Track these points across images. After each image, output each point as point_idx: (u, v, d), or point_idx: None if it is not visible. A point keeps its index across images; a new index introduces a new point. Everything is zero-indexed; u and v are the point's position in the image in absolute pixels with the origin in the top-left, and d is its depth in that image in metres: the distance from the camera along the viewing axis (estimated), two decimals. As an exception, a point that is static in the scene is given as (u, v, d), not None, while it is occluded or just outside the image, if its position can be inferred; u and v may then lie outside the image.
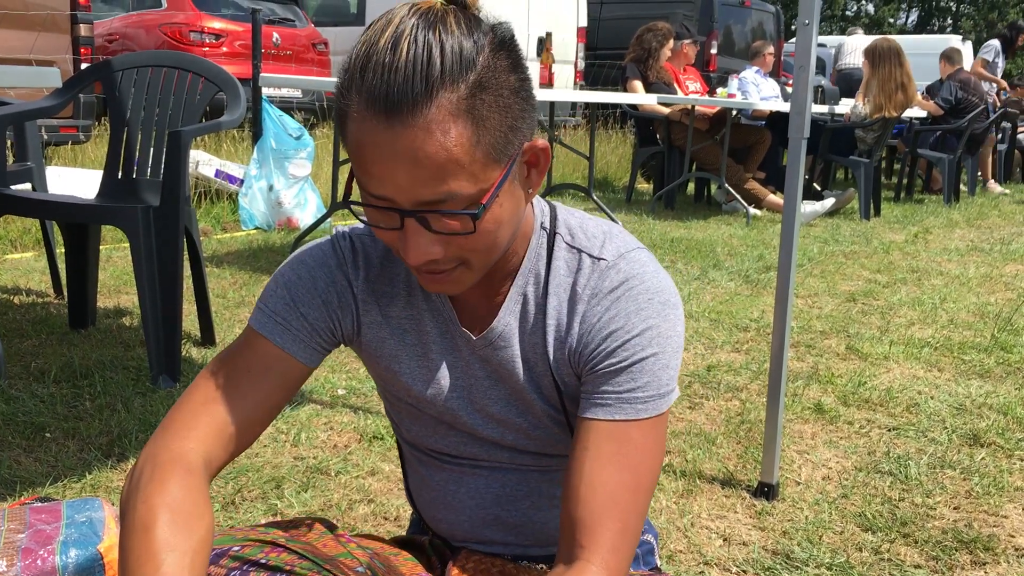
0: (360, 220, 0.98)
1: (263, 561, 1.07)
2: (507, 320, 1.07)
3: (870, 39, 10.81)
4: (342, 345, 1.13)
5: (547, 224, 1.08)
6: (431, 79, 0.84)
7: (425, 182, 0.87)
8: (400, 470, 2.14)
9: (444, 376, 1.11)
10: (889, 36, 7.15)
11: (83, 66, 5.66)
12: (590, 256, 1.05)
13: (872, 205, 7.11)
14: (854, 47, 11.09)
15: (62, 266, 3.63)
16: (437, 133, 0.85)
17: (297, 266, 1.09)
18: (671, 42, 7.07)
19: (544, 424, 1.11)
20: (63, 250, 3.83)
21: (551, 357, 1.06)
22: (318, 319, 1.07)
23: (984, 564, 1.82)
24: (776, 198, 7.00)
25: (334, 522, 1.46)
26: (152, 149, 2.97)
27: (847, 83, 10.45)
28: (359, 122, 0.87)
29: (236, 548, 1.09)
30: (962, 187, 9.11)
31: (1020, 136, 11.07)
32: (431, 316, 1.10)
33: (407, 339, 1.11)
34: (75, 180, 4.63)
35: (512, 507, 1.16)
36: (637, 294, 1.02)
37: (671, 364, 1.02)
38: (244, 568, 1.06)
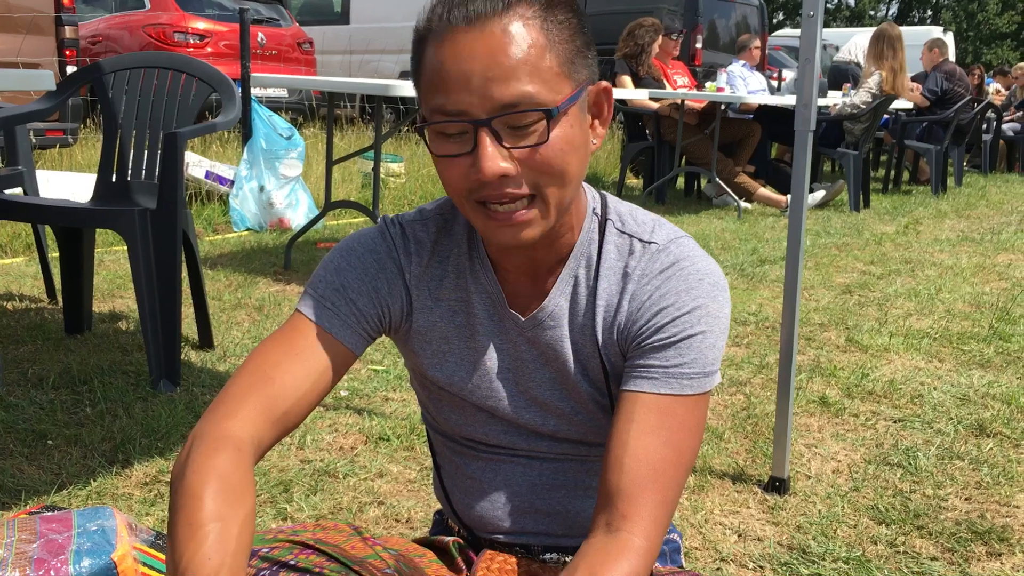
0: (432, 152, 0.98)
1: (292, 563, 1.06)
2: (558, 301, 1.08)
3: (863, 33, 10.84)
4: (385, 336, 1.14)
5: (598, 210, 1.10)
6: None
7: (502, 80, 0.91)
8: (409, 471, 2.12)
9: (491, 357, 1.12)
10: (893, 23, 7.25)
11: (68, 68, 5.62)
12: (640, 240, 1.07)
13: (862, 197, 7.14)
14: (851, 42, 11.10)
15: (55, 271, 3.60)
16: (514, 34, 0.92)
17: (346, 253, 1.10)
18: (660, 37, 7.06)
19: (587, 408, 1.11)
20: (55, 254, 3.80)
21: (600, 339, 1.07)
22: (367, 305, 1.08)
23: (1000, 555, 1.82)
24: (767, 191, 7.01)
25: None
26: (146, 151, 2.94)
27: (834, 77, 10.47)
28: (439, 40, 0.93)
29: (265, 549, 1.08)
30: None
31: (1004, 127, 11.13)
32: (479, 298, 1.11)
33: (456, 320, 1.12)
34: (65, 184, 4.58)
35: (548, 496, 1.16)
36: (688, 274, 1.04)
37: (717, 344, 1.04)
38: (274, 569, 1.05)
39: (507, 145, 0.93)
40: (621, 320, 1.06)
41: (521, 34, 0.91)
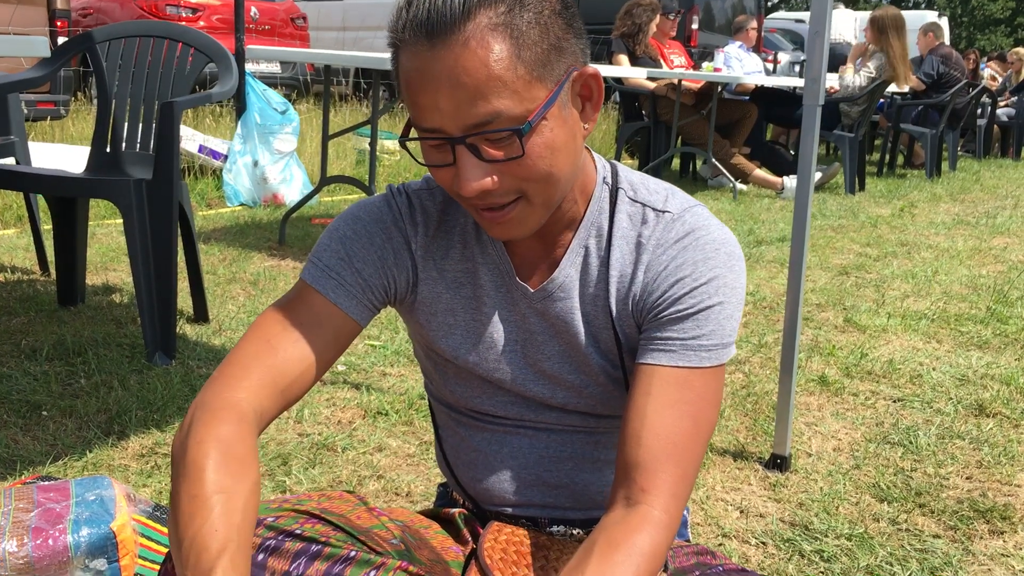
0: (418, 162, 0.98)
1: (298, 532, 1.04)
2: (568, 272, 1.06)
3: (849, 13, 10.76)
4: (389, 307, 1.12)
5: (609, 179, 1.08)
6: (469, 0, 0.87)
7: (469, 101, 0.88)
8: (408, 446, 2.11)
9: (498, 330, 1.09)
10: (893, 7, 7.18)
11: (59, 39, 5.55)
12: (654, 209, 1.05)
13: (857, 180, 7.12)
14: (833, 22, 11.09)
15: (47, 243, 3.56)
16: (476, 49, 0.86)
17: (352, 222, 1.07)
18: (658, 17, 7.02)
19: (599, 381, 1.09)
20: (47, 226, 3.76)
21: (614, 310, 1.05)
22: (373, 275, 1.05)
23: (1002, 533, 1.81)
24: (763, 172, 6.99)
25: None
26: (141, 122, 2.90)
27: (830, 59, 10.44)
28: (406, 53, 0.90)
29: (271, 518, 1.06)
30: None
31: (999, 112, 11.12)
32: (487, 269, 1.08)
33: (462, 292, 1.09)
34: (58, 155, 4.53)
35: (555, 468, 1.14)
36: (704, 244, 1.02)
37: (734, 315, 1.02)
38: (279, 538, 1.04)
39: (487, 158, 0.91)
40: (636, 291, 1.04)
41: (484, 48, 0.86)
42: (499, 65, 0.87)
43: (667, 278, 1.01)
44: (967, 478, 2.06)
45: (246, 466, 0.92)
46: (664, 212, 1.04)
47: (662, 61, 7.22)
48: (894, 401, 2.53)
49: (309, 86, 9.18)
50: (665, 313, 1.01)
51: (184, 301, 3.08)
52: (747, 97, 7.33)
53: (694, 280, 1.00)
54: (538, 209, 0.97)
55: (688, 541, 1.31)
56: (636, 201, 1.06)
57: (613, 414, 1.13)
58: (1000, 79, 12.05)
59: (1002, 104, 11.26)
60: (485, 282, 1.08)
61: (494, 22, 0.87)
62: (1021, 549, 1.76)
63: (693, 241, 1.02)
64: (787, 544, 1.74)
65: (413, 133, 0.96)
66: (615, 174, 1.08)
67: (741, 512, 1.87)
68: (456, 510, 1.23)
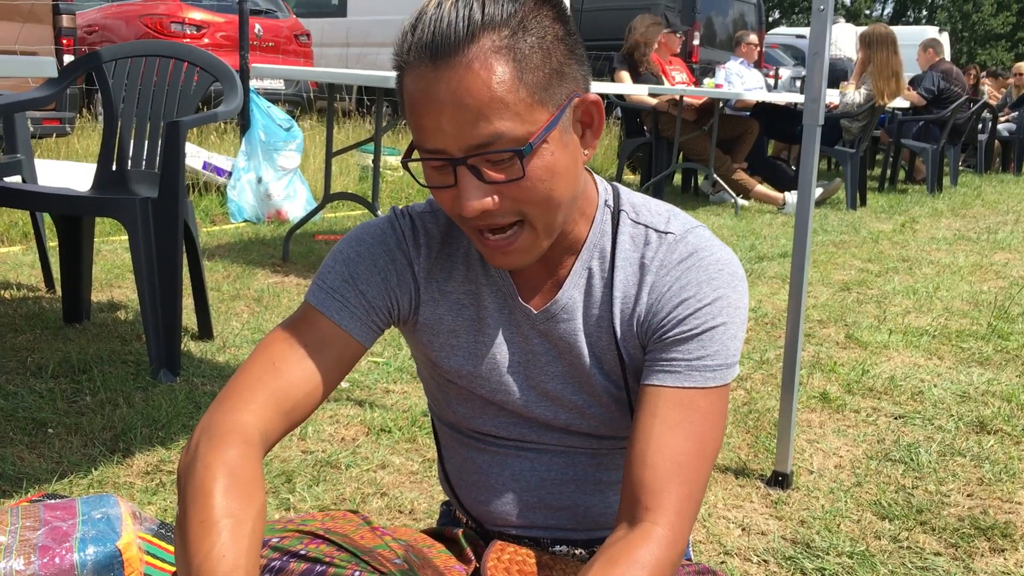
0: (420, 184, 1.00)
1: (303, 552, 1.06)
2: (571, 294, 1.08)
3: (850, 28, 10.80)
4: (393, 327, 1.13)
5: (611, 202, 1.09)
6: (473, 23, 0.89)
7: (471, 122, 0.89)
8: (412, 463, 2.12)
9: (501, 351, 1.10)
10: (883, 23, 7.18)
11: (66, 57, 5.59)
12: (656, 231, 1.06)
13: (858, 195, 7.14)
14: (834, 37, 11.13)
15: (53, 260, 3.58)
16: (479, 70, 0.88)
17: (356, 243, 1.09)
18: (661, 34, 7.07)
19: (602, 402, 1.10)
20: (52, 243, 3.78)
21: (618, 331, 1.06)
22: (376, 297, 1.07)
23: (1003, 551, 1.82)
24: (765, 188, 7.01)
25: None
26: (147, 140, 2.93)
27: (831, 75, 10.47)
28: (411, 75, 0.92)
29: (276, 539, 1.07)
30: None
31: (1000, 127, 11.15)
32: (490, 290, 1.10)
33: (465, 314, 1.11)
34: (64, 172, 4.56)
35: (557, 491, 1.15)
36: (707, 264, 1.03)
37: (738, 335, 1.03)
38: (284, 559, 1.05)
39: (487, 179, 0.93)
40: (641, 312, 1.05)
41: (488, 70, 0.88)
42: (501, 87, 0.89)
43: (671, 299, 1.03)
44: (968, 495, 2.06)
45: (253, 490, 0.93)
46: (667, 233, 1.06)
47: (663, 77, 7.26)
48: (895, 418, 2.54)
49: (312, 102, 9.23)
50: (670, 334, 1.02)
51: (188, 318, 3.09)
52: (748, 113, 7.36)
53: (698, 301, 1.02)
54: (540, 236, 0.98)
55: (690, 560, 1.32)
56: (639, 223, 1.07)
57: (615, 435, 1.14)
58: (1001, 95, 12.08)
59: (1003, 119, 11.28)
60: (488, 303, 1.10)
61: (497, 45, 0.89)
62: (1022, 567, 1.76)
63: (696, 262, 1.03)
64: (789, 562, 1.74)
65: (415, 155, 0.98)
66: (617, 196, 1.10)
67: (743, 530, 1.88)
68: (459, 529, 1.24)
